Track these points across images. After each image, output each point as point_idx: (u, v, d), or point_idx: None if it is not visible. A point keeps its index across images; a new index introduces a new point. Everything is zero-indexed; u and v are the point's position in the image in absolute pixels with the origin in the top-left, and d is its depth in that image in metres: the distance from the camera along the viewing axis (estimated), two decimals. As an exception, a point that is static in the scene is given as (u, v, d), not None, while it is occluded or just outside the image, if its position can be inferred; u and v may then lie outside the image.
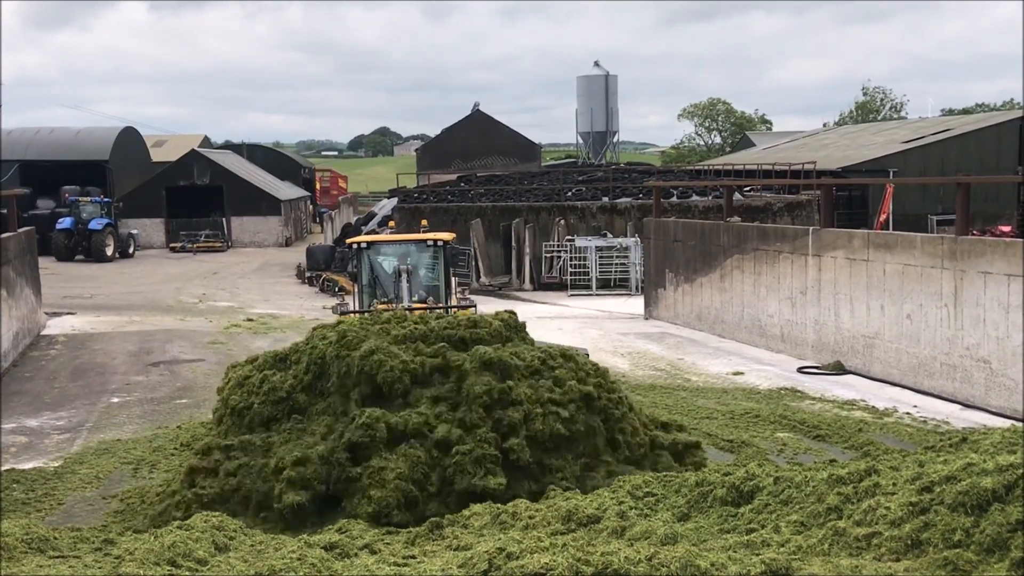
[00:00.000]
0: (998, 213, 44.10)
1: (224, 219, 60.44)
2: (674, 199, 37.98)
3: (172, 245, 57.76)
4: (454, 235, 19.19)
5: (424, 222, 23.34)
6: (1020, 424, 10.49)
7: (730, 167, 55.08)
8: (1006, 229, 41.27)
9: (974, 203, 19.32)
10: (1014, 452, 6.91)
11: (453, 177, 58.02)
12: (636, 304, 30.00)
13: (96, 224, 49.10)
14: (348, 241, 19.36)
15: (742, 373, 19.36)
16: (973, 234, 22.43)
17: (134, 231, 54.95)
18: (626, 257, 35.22)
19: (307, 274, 39.75)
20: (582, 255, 35.34)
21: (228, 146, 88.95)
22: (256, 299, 34.22)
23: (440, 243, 17.49)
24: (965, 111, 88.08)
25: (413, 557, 7.31)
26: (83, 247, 49.14)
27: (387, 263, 17.61)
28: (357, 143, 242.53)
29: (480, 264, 37.54)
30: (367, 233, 39.67)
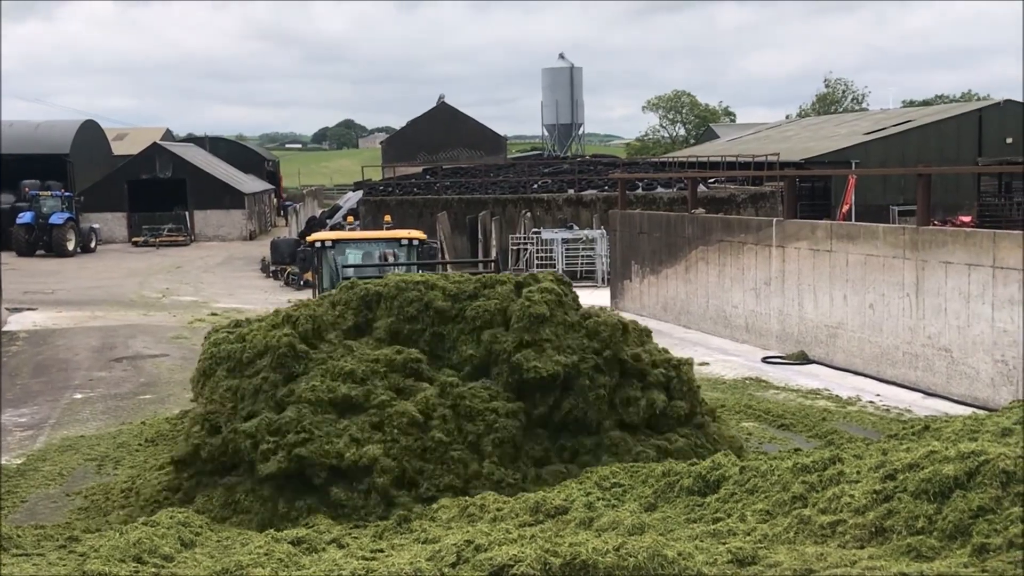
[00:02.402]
0: (959, 203, 44.70)
1: (187, 213, 59.92)
2: (639, 191, 38.10)
3: (134, 239, 57.17)
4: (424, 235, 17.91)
5: (387, 218, 22.60)
6: (980, 412, 10.63)
7: (694, 159, 55.41)
8: (966, 219, 41.85)
9: (935, 194, 19.58)
10: (975, 439, 7.01)
11: (419, 170, 57.83)
12: (602, 296, 30.06)
13: (57, 218, 48.48)
14: (309, 239, 17.22)
15: (707, 363, 19.46)
16: (934, 224, 22.70)
17: (96, 225, 54.25)
18: (592, 249, 35.30)
19: (272, 268, 39.49)
20: (548, 247, 35.37)
21: (191, 139, 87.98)
22: (220, 293, 33.96)
23: (416, 242, 16.11)
24: (925, 103, 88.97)
25: (381, 551, 7.30)
26: (44, 242, 48.50)
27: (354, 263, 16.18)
28: (322, 135, 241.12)
29: (446, 257, 37.48)
30: (332, 227, 39.41)
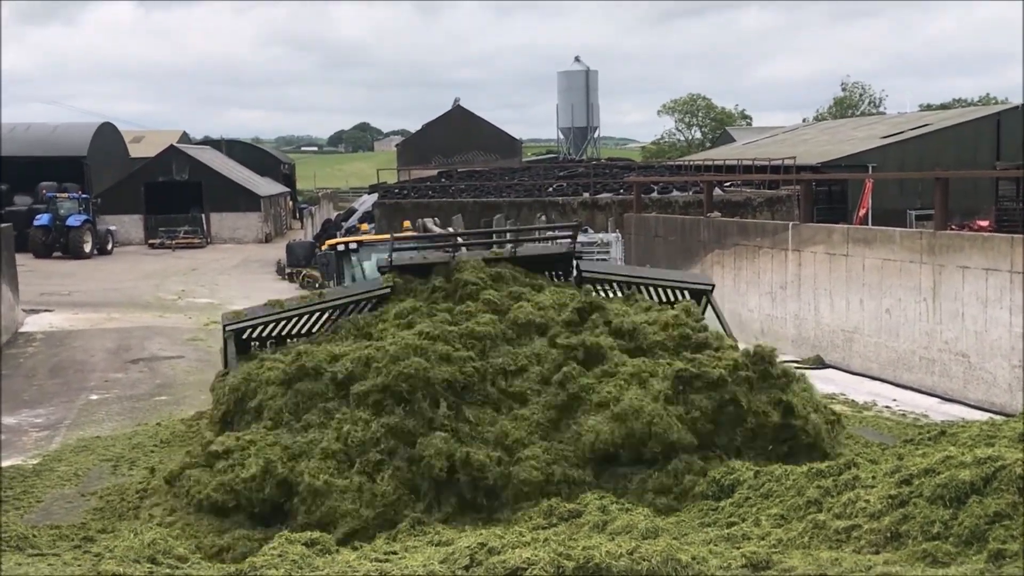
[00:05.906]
0: (976, 208, 44.38)
1: (203, 215, 60.14)
2: (654, 195, 38.03)
3: (151, 241, 57.39)
4: None
5: (406, 224, 22.20)
6: (997, 417, 10.57)
7: (710, 162, 55.26)
8: (984, 224, 41.58)
9: (952, 198, 19.41)
10: (992, 445, 6.96)
11: (434, 173, 57.94)
12: (617, 299, 30.01)
13: (74, 221, 48.69)
14: (328, 243, 15.90)
15: (722, 368, 19.38)
16: (951, 229, 22.58)
17: (112, 227, 54.48)
18: (607, 252, 35.17)
19: (287, 270, 39.59)
20: (563, 250, 35.28)
21: (207, 142, 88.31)
22: (236, 295, 34.02)
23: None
24: (943, 107, 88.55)
25: (395, 553, 7.29)
26: (61, 244, 48.71)
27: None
28: (337, 139, 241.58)
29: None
30: (346, 231, 39.43)
